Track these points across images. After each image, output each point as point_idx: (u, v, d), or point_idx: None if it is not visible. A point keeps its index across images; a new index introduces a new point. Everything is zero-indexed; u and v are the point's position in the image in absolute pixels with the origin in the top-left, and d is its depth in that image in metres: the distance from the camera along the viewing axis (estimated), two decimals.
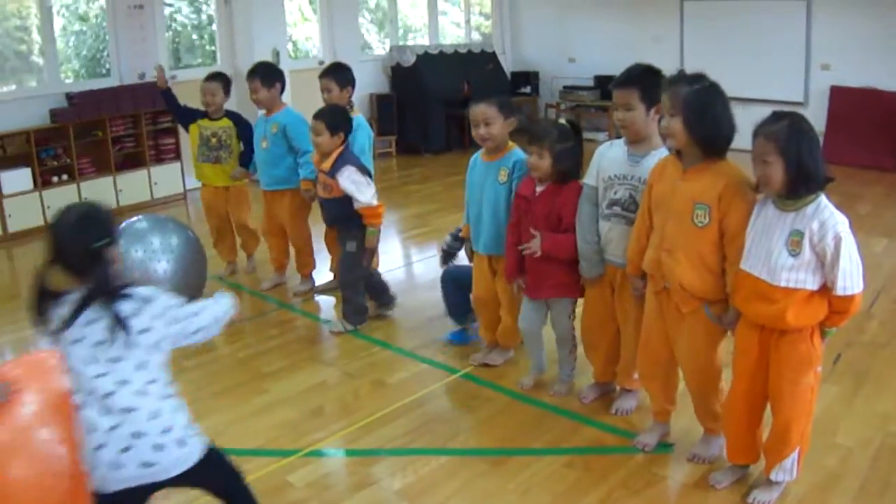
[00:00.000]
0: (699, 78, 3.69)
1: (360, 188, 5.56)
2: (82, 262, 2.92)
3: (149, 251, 5.97)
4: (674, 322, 3.89)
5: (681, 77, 3.75)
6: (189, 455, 3.01)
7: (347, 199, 5.61)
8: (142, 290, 2.99)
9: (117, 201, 10.44)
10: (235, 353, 5.79)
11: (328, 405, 4.99)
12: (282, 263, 7.11)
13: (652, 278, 3.94)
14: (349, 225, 5.73)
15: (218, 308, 3.24)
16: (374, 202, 5.62)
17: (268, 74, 6.65)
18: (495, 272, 5.05)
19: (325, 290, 6.92)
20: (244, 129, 6.92)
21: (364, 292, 6.06)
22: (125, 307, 2.91)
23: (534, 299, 4.83)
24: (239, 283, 7.33)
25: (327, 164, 5.63)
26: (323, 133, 5.57)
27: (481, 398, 4.92)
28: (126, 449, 2.87)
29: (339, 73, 6.39)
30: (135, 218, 6.28)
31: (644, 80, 4.06)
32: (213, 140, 6.95)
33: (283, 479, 4.18)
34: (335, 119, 5.62)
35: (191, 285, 6.09)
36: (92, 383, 2.89)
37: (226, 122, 6.96)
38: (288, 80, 6.91)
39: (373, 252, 5.90)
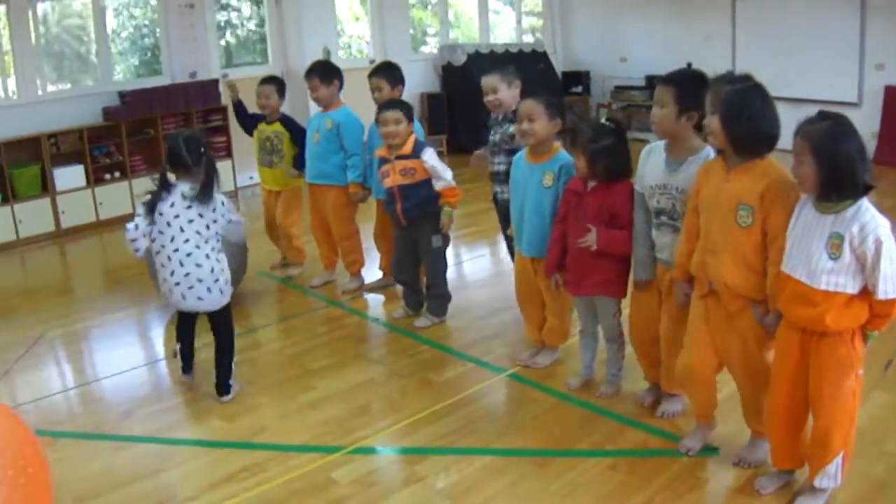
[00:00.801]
0: (743, 78, 3.66)
1: (443, 167, 5.68)
2: (193, 163, 4.81)
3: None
4: (721, 325, 3.85)
5: (725, 76, 3.72)
6: (223, 300, 4.97)
7: (430, 182, 5.70)
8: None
9: None
10: (284, 350, 5.85)
11: (374, 403, 5.01)
12: (331, 261, 7.14)
13: (698, 282, 3.91)
14: (432, 216, 5.77)
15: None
16: (454, 183, 5.70)
17: (326, 72, 6.70)
18: (536, 272, 5.06)
19: (374, 288, 6.95)
20: (297, 134, 6.95)
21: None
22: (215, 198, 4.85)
23: (575, 296, 4.84)
24: (284, 278, 7.40)
25: (408, 148, 5.71)
26: (402, 121, 5.68)
27: (527, 398, 4.92)
28: (191, 287, 4.81)
29: (389, 72, 6.44)
30: None
31: (684, 83, 4.01)
32: (268, 144, 7.04)
33: (327, 476, 4.20)
34: (407, 107, 5.76)
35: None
36: (180, 245, 4.77)
37: (278, 127, 7.01)
38: None
39: (448, 240, 5.97)
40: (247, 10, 12.34)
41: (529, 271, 5.11)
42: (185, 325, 5.25)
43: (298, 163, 6.95)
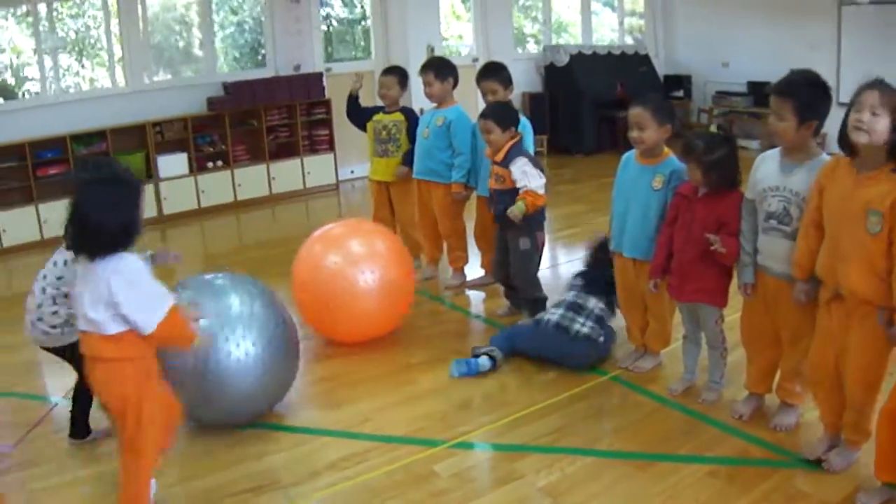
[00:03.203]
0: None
1: (529, 178, 5.56)
2: None
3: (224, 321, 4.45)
4: (843, 330, 3.79)
5: (883, 81, 3.64)
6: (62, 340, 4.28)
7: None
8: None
9: (270, 189, 10.83)
10: (386, 343, 5.91)
11: (476, 399, 5.03)
12: (434, 257, 7.21)
13: (824, 286, 3.85)
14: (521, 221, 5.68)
15: None
16: (541, 192, 5.59)
17: (442, 68, 6.74)
18: (638, 274, 5.03)
19: (476, 285, 7.00)
20: (413, 127, 6.99)
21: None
22: None
23: (678, 301, 4.84)
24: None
25: (501, 156, 5.68)
26: (494, 130, 5.64)
27: (629, 401, 4.92)
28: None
29: (502, 75, 6.39)
30: (213, 275, 4.87)
31: (803, 93, 3.95)
32: (384, 133, 7.09)
33: (429, 469, 4.25)
34: (503, 114, 5.69)
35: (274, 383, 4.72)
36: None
37: (398, 116, 7.07)
38: None
39: (540, 243, 5.90)
40: (350, 5, 12.47)
41: (631, 273, 5.09)
42: None
43: (408, 159, 7.00)
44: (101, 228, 3.39)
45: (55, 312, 4.23)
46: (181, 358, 4.22)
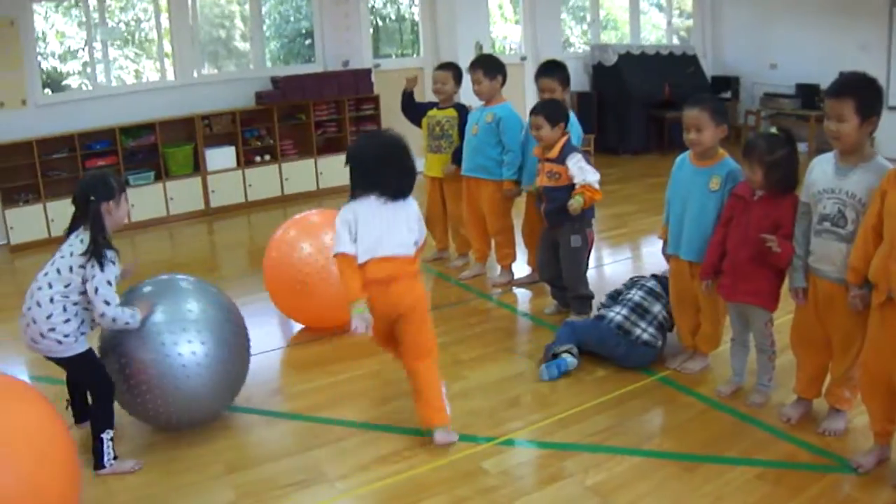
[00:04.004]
0: None
1: (586, 173, 5.60)
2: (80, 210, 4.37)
3: (175, 320, 4.47)
4: (894, 335, 3.76)
5: None
6: (62, 350, 4.18)
7: (574, 188, 5.65)
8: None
9: (317, 184, 10.89)
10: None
11: (524, 397, 5.05)
12: (483, 254, 7.22)
13: (877, 289, 3.80)
14: (574, 219, 5.71)
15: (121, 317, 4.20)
16: (597, 186, 5.62)
17: (491, 66, 6.76)
18: (693, 276, 4.99)
19: (524, 283, 7.00)
20: (465, 124, 7.00)
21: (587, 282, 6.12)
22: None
23: (728, 301, 4.81)
24: (440, 270, 7.52)
25: (554, 152, 5.73)
26: (543, 126, 5.70)
27: (678, 402, 4.90)
28: (27, 326, 4.16)
29: (562, 74, 6.45)
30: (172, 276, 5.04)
31: (860, 90, 3.93)
32: (437, 129, 7.15)
33: (477, 465, 4.27)
34: (553, 111, 5.75)
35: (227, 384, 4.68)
36: (39, 276, 4.19)
37: (451, 112, 7.12)
38: None
39: (589, 243, 5.94)
40: (397, 2, 12.52)
41: (686, 275, 5.05)
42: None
43: (456, 156, 7.02)
44: (412, 180, 4.51)
45: (67, 321, 4.12)
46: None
